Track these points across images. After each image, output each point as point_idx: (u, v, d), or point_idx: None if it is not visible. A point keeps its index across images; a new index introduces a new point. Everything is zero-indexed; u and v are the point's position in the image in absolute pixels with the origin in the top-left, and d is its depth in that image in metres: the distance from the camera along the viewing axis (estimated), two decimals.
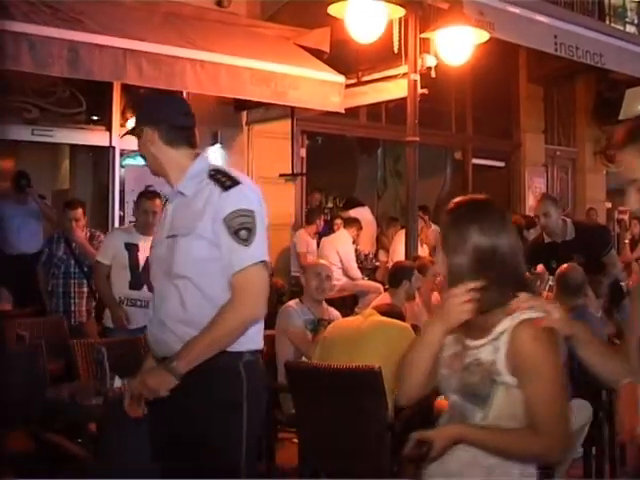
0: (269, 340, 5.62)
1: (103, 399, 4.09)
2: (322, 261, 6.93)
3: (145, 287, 6.43)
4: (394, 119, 11.13)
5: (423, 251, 10.48)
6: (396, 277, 6.72)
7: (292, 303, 6.23)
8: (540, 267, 7.04)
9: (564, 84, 15.18)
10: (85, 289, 7.77)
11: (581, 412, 5.21)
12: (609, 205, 16.92)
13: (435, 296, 7.35)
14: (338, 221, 11.58)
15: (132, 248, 6.67)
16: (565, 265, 6.17)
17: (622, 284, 7.50)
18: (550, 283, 6.65)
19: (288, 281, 10.19)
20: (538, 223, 7.50)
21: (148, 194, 6.95)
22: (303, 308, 6.13)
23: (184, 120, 3.65)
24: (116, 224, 9.00)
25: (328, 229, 11.67)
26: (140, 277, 6.56)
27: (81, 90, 9.20)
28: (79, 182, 11.91)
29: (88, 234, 7.81)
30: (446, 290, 2.75)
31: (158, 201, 6.45)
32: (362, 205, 12.57)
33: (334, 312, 6.42)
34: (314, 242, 10.67)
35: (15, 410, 5.21)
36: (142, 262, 6.47)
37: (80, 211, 7.73)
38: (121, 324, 6.60)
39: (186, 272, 3.20)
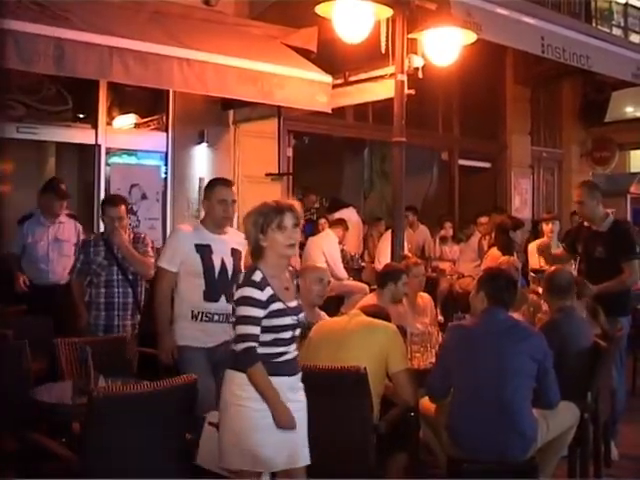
0: None
1: (87, 398, 4.06)
2: (321, 265, 6.91)
3: (223, 297, 5.52)
4: (381, 119, 11.14)
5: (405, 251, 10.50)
6: (382, 278, 6.72)
7: None
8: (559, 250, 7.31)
9: (551, 86, 15.22)
10: (130, 300, 6.86)
11: (568, 414, 5.22)
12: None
13: (420, 297, 7.36)
14: (322, 221, 11.57)
15: (204, 250, 5.62)
16: (553, 267, 6.20)
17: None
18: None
19: None
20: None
21: (223, 181, 6.02)
22: None
23: None
24: (102, 223, 8.86)
25: (314, 229, 11.66)
26: (217, 286, 5.57)
27: (67, 88, 9.16)
28: (65, 180, 11.85)
29: (131, 235, 6.99)
30: None
31: (234, 188, 5.93)
32: (347, 206, 12.55)
33: (324, 315, 6.40)
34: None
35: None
36: (218, 267, 5.61)
37: (123, 209, 6.90)
38: (166, 358, 5.61)
39: None
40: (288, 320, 4.18)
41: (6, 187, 12.91)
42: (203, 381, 4.78)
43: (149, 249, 6.98)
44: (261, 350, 4.08)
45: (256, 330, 4.07)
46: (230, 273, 5.58)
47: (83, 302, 6.87)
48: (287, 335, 4.19)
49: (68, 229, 8.19)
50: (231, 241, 5.73)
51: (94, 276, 6.83)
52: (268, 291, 4.13)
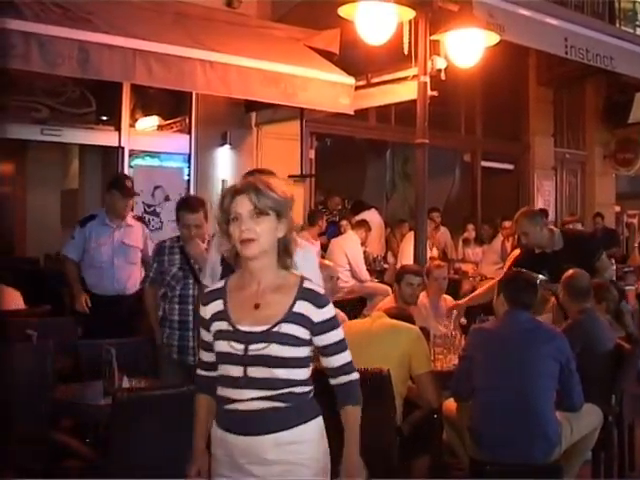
0: None
1: (111, 399, 4.08)
2: (327, 262, 6.89)
3: None
4: (403, 121, 11.13)
5: (432, 253, 10.49)
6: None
7: None
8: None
9: (574, 87, 15.15)
10: None
11: (591, 416, 5.19)
12: (618, 209, 16.90)
13: (444, 299, 7.34)
14: (344, 222, 11.57)
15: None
16: (571, 270, 6.14)
17: (628, 287, 7.46)
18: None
19: None
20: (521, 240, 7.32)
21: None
22: None
23: None
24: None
25: (336, 231, 11.66)
26: None
27: (91, 90, 9.20)
28: (88, 182, 11.92)
29: (207, 240, 5.94)
30: None
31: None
32: (369, 208, 12.55)
33: (340, 314, 6.39)
34: (317, 244, 10.63)
35: (22, 409, 5.22)
36: None
37: (201, 215, 5.93)
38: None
39: None
40: (226, 347, 3.00)
41: (30, 189, 13.02)
42: None
43: None
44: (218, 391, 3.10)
45: (203, 355, 3.19)
46: None
47: (156, 316, 6.16)
48: (234, 372, 2.99)
49: (136, 233, 7.35)
50: None
51: (168, 289, 6.03)
52: (215, 307, 3.10)
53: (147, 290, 6.30)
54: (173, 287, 5.99)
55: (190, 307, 5.86)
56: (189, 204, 6.04)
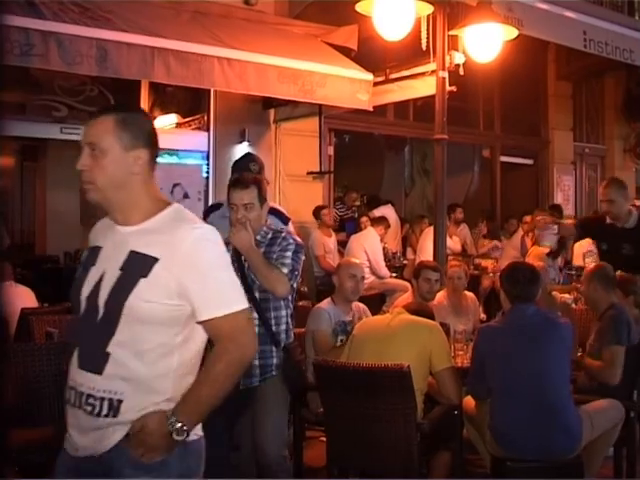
0: (299, 337, 5.62)
1: None
2: (355, 260, 6.86)
3: (76, 355, 2.90)
4: (422, 117, 11.12)
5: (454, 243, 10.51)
6: None
7: (324, 304, 6.15)
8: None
9: (593, 81, 15.07)
10: (261, 330, 4.52)
11: (613, 412, 5.17)
12: (639, 203, 16.78)
13: (464, 296, 7.31)
14: (364, 219, 11.56)
15: (86, 261, 2.92)
16: (599, 263, 6.08)
17: None
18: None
19: (313, 281, 10.22)
20: (600, 208, 7.21)
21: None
22: (336, 309, 6.06)
23: None
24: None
25: (355, 227, 11.66)
26: (76, 332, 2.89)
27: (109, 88, 9.24)
28: None
29: (268, 234, 4.75)
30: None
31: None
32: (385, 203, 12.53)
33: (363, 307, 6.38)
34: (331, 240, 10.58)
35: (44, 407, 5.24)
36: (86, 293, 2.78)
37: (254, 194, 4.70)
38: None
39: None
40: None
41: (49, 188, 13.07)
42: None
43: (287, 253, 4.63)
44: None
45: None
46: (102, 305, 2.69)
47: None
48: None
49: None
50: (146, 239, 2.85)
51: None
52: None
53: None
54: None
55: None
56: (240, 179, 4.83)
